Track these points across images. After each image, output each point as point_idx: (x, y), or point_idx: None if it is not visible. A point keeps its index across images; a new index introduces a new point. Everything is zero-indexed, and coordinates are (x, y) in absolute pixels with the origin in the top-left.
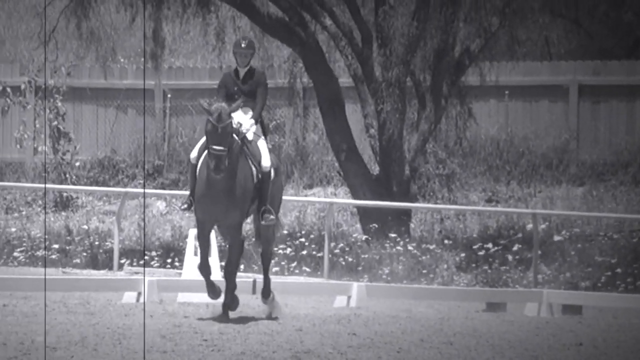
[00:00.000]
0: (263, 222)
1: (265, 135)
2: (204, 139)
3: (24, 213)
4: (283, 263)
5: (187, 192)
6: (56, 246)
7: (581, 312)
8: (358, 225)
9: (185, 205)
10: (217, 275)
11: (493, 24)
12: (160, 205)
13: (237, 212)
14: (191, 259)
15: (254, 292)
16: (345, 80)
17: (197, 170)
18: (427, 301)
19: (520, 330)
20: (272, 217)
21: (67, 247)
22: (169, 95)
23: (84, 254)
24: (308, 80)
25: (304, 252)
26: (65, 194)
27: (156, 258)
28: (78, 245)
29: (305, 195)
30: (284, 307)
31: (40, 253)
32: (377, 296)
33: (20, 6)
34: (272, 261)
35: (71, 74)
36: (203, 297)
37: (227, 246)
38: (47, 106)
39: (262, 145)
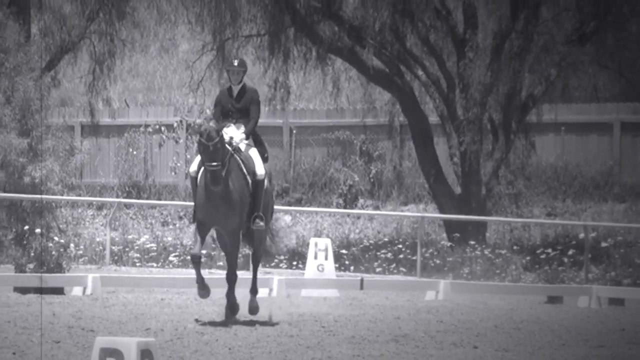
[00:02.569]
0: (253, 227)
1: (263, 149)
2: None
3: (177, 225)
4: (384, 265)
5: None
6: (204, 252)
7: (624, 304)
8: (444, 235)
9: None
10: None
11: (552, 74)
12: (287, 218)
13: (235, 218)
14: (312, 262)
15: (361, 287)
16: (433, 118)
17: (198, 181)
18: (499, 295)
19: (575, 319)
20: (261, 223)
21: (212, 253)
22: (294, 131)
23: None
24: (404, 119)
25: (401, 256)
26: None
27: (284, 261)
28: (221, 251)
29: (402, 211)
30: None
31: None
32: (459, 291)
33: (174, 61)
34: (370, 261)
35: None
36: (322, 292)
37: (227, 252)
38: (195, 141)
39: (255, 154)
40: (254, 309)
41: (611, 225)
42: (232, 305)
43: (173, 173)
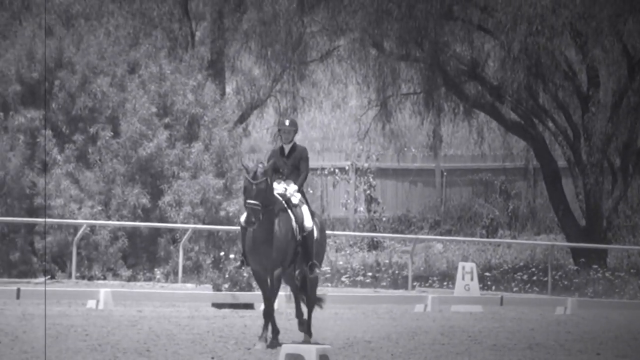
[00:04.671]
0: (311, 275)
1: (307, 203)
2: None
3: (347, 252)
4: (520, 285)
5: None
6: (370, 274)
7: None
8: (571, 260)
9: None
10: None
11: None
12: (439, 246)
13: (277, 259)
14: (460, 283)
15: (501, 304)
16: (562, 163)
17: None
18: (619, 310)
19: None
20: (317, 270)
21: (377, 275)
22: (444, 173)
23: (388, 279)
24: (537, 163)
25: (534, 278)
26: (375, 239)
27: (437, 281)
28: (384, 274)
29: (535, 240)
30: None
31: (359, 278)
32: (584, 307)
33: (345, 114)
34: (509, 282)
35: (379, 159)
36: (469, 308)
37: (265, 291)
38: (363, 181)
39: (305, 210)
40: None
41: None
42: (274, 331)
43: (344, 208)
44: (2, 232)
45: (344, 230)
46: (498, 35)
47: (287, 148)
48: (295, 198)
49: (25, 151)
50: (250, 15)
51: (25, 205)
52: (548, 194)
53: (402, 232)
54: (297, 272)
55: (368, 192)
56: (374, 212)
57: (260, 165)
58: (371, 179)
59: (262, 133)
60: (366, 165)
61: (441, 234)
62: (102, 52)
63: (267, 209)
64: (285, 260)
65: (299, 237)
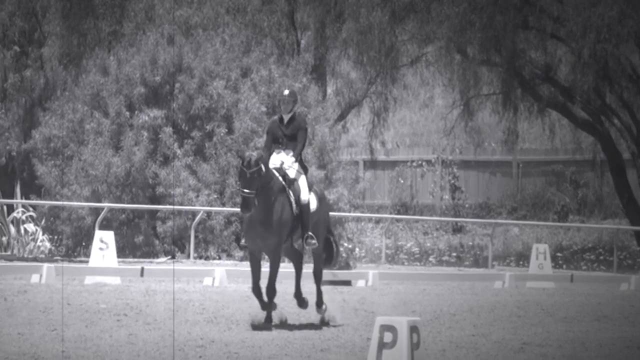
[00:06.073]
0: (307, 247)
1: (305, 172)
2: None
3: (434, 235)
4: (589, 264)
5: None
6: (454, 254)
7: None
8: (634, 242)
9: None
10: None
11: None
12: (516, 230)
13: (274, 237)
14: (534, 262)
15: (571, 281)
16: (626, 155)
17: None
18: None
19: None
20: (314, 242)
21: (460, 255)
22: (520, 165)
23: (470, 259)
24: (604, 156)
25: (601, 257)
26: (459, 224)
27: (513, 261)
28: (467, 254)
29: (602, 224)
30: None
31: (444, 258)
32: None
33: (432, 113)
34: (578, 261)
35: (462, 153)
36: (542, 284)
37: (269, 266)
38: (448, 172)
39: (302, 181)
40: (322, 319)
41: None
42: (269, 316)
43: (431, 196)
44: (128, 217)
45: (431, 215)
46: (569, 43)
47: (286, 118)
48: (292, 170)
49: (148, 146)
50: (348, 26)
51: (149, 193)
52: (614, 183)
53: (482, 217)
54: (296, 244)
55: (452, 181)
56: (458, 200)
57: (254, 154)
58: (455, 170)
59: (358, 129)
60: (451, 157)
61: (517, 219)
62: (217, 58)
63: (264, 191)
64: (280, 238)
65: (296, 212)
